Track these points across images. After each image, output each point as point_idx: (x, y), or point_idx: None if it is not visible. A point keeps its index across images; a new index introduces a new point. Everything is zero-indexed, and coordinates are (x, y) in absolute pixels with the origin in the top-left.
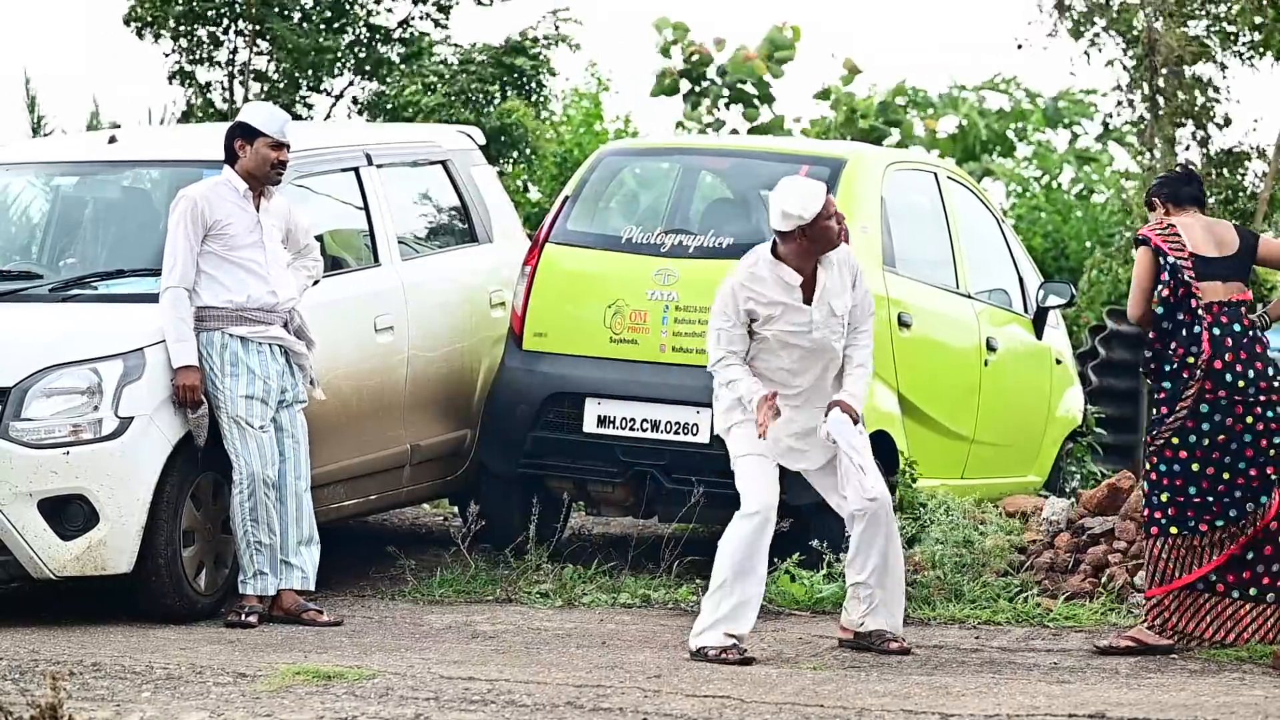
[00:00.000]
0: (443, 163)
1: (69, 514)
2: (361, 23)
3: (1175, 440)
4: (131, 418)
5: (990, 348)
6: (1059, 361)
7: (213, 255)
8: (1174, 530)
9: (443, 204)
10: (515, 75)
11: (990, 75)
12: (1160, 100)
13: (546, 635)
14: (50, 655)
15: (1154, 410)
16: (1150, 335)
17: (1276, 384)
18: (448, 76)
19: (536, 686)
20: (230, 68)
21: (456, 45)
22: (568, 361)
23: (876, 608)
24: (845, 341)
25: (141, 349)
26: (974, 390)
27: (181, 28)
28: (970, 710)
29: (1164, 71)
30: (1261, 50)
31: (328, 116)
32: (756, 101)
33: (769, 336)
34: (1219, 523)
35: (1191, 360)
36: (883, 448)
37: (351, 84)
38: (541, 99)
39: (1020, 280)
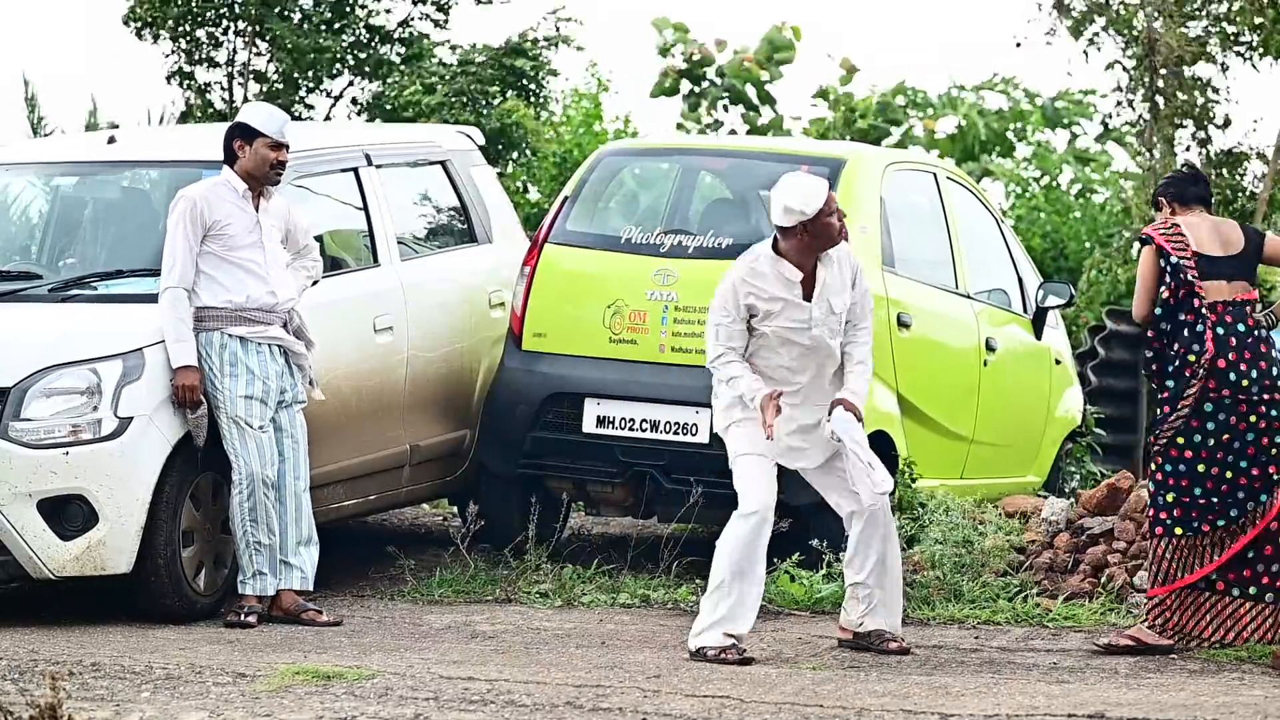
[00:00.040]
0: (442, 163)
1: (68, 514)
2: (361, 23)
3: (1180, 440)
4: (131, 418)
5: (989, 348)
6: (1058, 362)
7: (212, 255)
8: (1179, 531)
9: (442, 204)
10: (515, 76)
11: (989, 75)
12: (1160, 100)
13: (546, 635)
14: (50, 655)
15: (1157, 410)
16: (1149, 335)
17: None
18: (448, 78)
19: (536, 686)
20: (230, 68)
21: (456, 46)
22: (567, 362)
23: (875, 608)
24: (844, 339)
25: (141, 349)
26: (973, 390)
27: (181, 28)
28: (970, 710)
29: (1164, 72)
30: (1261, 51)
31: (327, 117)
32: (756, 101)
33: (769, 333)
34: (1220, 522)
35: (1193, 359)
36: (882, 448)
37: (351, 84)
38: (541, 100)
39: (1019, 280)
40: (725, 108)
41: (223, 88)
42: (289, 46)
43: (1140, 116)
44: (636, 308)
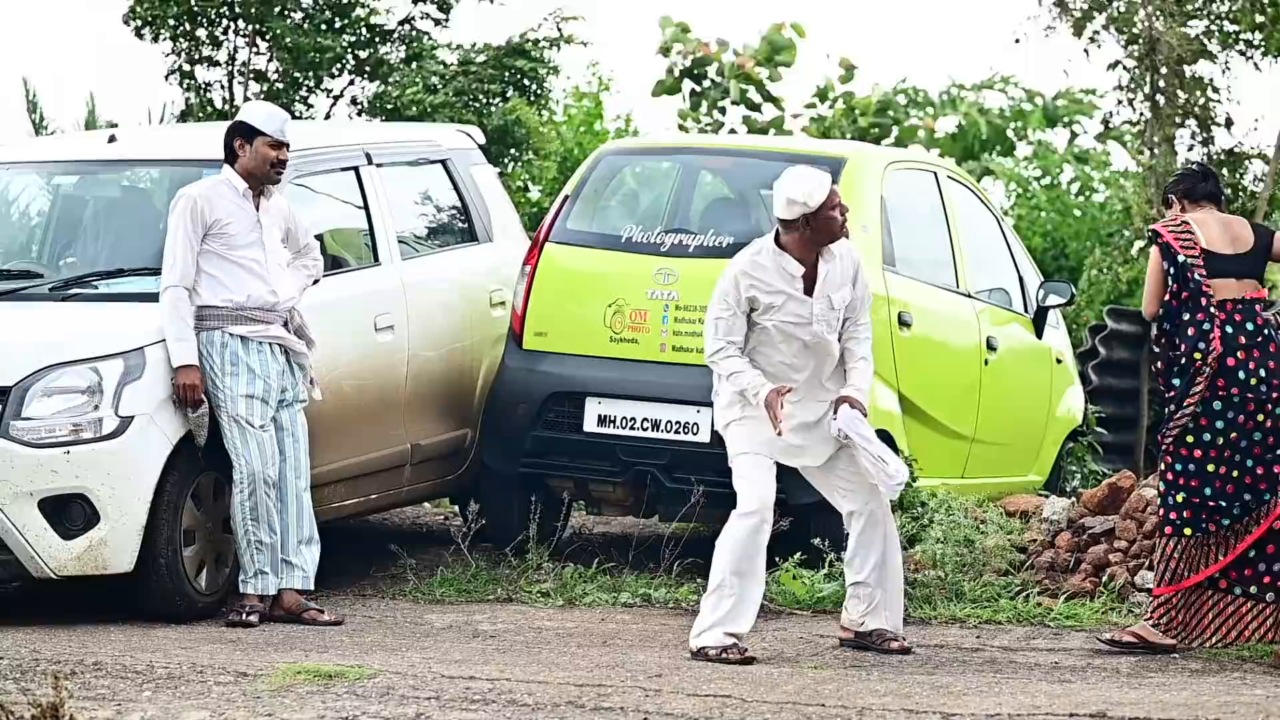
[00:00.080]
0: (443, 162)
1: (70, 513)
2: (361, 23)
3: (1190, 439)
4: (132, 417)
5: (990, 347)
6: (1059, 361)
7: (212, 254)
8: (1188, 531)
9: (443, 203)
10: (517, 76)
11: (990, 75)
12: (1161, 100)
13: (547, 634)
14: (51, 655)
15: (1165, 409)
16: (1154, 333)
17: None
18: (449, 78)
19: (537, 686)
20: (230, 67)
21: (458, 46)
22: (568, 361)
23: (876, 607)
24: (844, 334)
25: (142, 348)
26: (974, 389)
27: (181, 27)
28: (971, 710)
29: (1164, 71)
30: (1262, 50)
31: (328, 116)
32: (757, 101)
33: (769, 327)
34: (1226, 521)
35: (1199, 356)
36: None
37: (351, 84)
38: (543, 99)
39: (1020, 279)
40: (723, 111)
41: (223, 87)
42: (289, 46)
43: (1141, 116)
44: (637, 307)
